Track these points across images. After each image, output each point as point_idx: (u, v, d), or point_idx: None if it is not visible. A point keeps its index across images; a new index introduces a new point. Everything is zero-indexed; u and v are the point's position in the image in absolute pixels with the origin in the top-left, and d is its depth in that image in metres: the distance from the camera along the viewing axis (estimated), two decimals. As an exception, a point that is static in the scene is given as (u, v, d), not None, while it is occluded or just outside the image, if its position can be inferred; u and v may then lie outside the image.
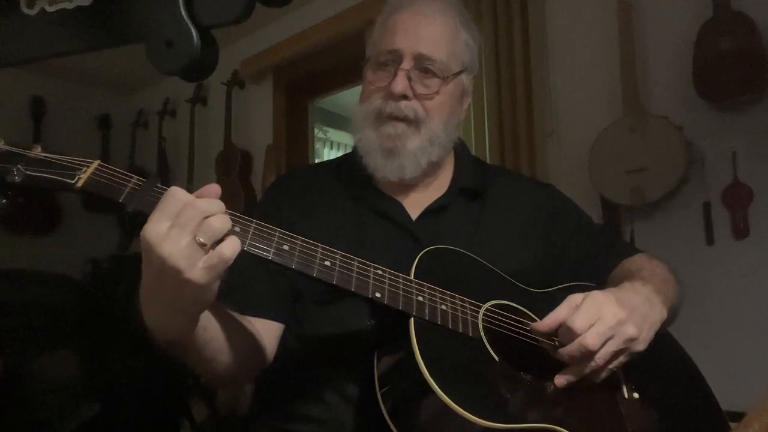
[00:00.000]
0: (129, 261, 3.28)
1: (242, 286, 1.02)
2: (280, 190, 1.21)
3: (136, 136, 4.16)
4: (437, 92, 1.10)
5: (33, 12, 0.78)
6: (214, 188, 0.75)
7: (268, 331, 1.03)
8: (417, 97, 1.09)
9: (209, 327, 0.86)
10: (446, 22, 1.13)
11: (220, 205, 0.73)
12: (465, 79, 1.18)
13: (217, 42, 0.77)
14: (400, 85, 1.07)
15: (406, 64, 1.08)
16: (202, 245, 0.70)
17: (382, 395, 0.84)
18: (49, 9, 0.78)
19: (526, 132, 2.31)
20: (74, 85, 4.01)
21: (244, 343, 0.96)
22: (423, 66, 1.09)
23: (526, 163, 2.30)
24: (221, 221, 0.72)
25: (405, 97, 1.08)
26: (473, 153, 2.36)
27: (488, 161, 2.35)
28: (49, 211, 3.88)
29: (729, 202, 1.91)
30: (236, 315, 0.97)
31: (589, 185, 2.11)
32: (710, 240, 1.94)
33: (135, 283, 0.77)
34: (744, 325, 1.85)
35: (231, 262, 0.72)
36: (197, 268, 0.70)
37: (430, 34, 1.10)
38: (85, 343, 2.35)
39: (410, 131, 1.09)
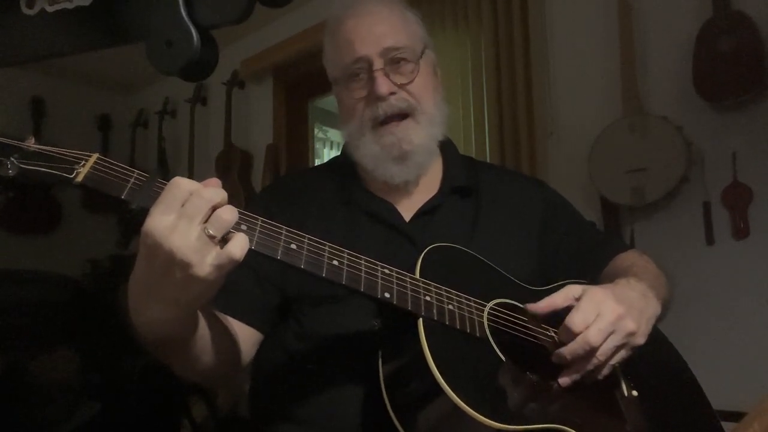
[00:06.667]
0: (129, 261, 3.26)
1: (228, 285, 1.01)
2: (268, 199, 1.19)
3: (136, 136, 4.16)
4: (417, 75, 1.10)
5: (33, 12, 0.78)
6: (215, 181, 0.73)
7: (245, 337, 1.02)
8: (401, 87, 1.08)
9: (200, 323, 0.85)
10: (391, 11, 1.13)
11: (224, 194, 0.71)
12: (431, 55, 1.18)
13: (217, 42, 0.77)
14: (383, 86, 1.06)
15: (378, 64, 1.07)
16: (212, 238, 0.68)
17: (388, 396, 0.84)
18: (49, 9, 0.77)
19: (526, 132, 2.31)
20: (74, 85, 4.01)
21: (225, 343, 0.95)
22: (394, 58, 1.09)
23: (526, 163, 2.30)
24: (229, 212, 0.70)
25: (391, 93, 1.07)
26: (474, 153, 2.39)
27: (488, 161, 2.36)
28: (48, 210, 3.88)
29: (729, 202, 1.91)
30: (219, 314, 0.96)
31: (589, 185, 2.11)
32: (710, 240, 1.94)
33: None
34: (744, 325, 1.85)
35: (240, 261, 0.70)
36: (206, 264, 0.68)
37: (385, 27, 1.10)
38: (85, 343, 2.35)
39: (410, 125, 1.09)
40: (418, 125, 1.09)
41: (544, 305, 0.90)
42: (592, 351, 0.86)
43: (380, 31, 1.09)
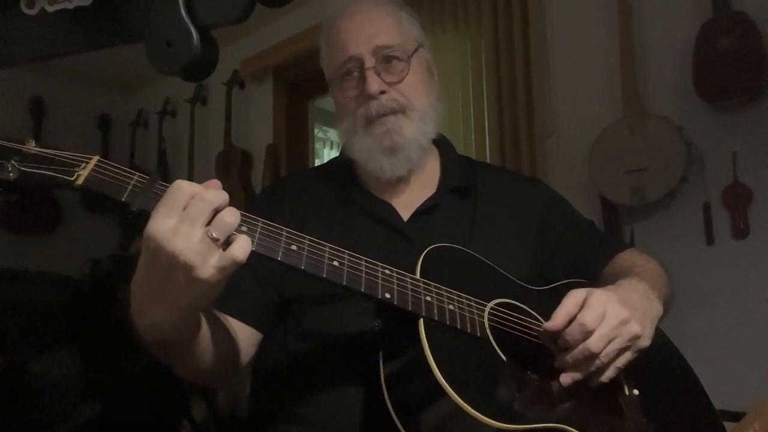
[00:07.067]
0: (129, 261, 3.28)
1: (228, 285, 1.00)
2: (268, 200, 1.20)
3: (136, 136, 4.16)
4: (407, 73, 1.10)
5: (33, 12, 0.78)
6: (216, 183, 0.74)
7: (245, 336, 1.03)
8: (391, 86, 1.09)
9: (201, 324, 0.85)
10: (384, 10, 1.14)
11: (226, 197, 0.72)
12: (425, 54, 1.18)
13: (217, 42, 0.77)
14: (374, 84, 1.07)
15: (369, 62, 1.08)
16: (215, 240, 0.69)
17: (389, 396, 0.84)
18: (49, 9, 0.77)
19: (526, 132, 2.31)
20: (74, 85, 4.01)
21: (225, 343, 0.95)
22: (385, 56, 1.09)
23: (526, 163, 2.30)
24: (232, 215, 0.71)
25: (382, 92, 1.08)
26: (474, 153, 2.40)
27: (488, 161, 2.36)
28: (49, 210, 3.88)
29: (729, 202, 1.91)
30: (218, 314, 0.97)
31: (589, 185, 2.11)
32: (710, 240, 1.94)
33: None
34: (744, 324, 1.84)
35: (243, 262, 0.71)
36: (209, 266, 0.69)
37: (376, 26, 1.11)
38: (86, 343, 2.35)
39: (401, 119, 1.10)
40: (409, 120, 1.10)
41: (561, 319, 0.87)
42: (592, 356, 0.86)
43: (372, 30, 1.10)
